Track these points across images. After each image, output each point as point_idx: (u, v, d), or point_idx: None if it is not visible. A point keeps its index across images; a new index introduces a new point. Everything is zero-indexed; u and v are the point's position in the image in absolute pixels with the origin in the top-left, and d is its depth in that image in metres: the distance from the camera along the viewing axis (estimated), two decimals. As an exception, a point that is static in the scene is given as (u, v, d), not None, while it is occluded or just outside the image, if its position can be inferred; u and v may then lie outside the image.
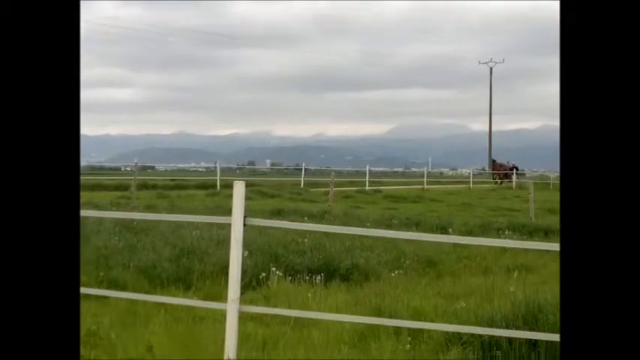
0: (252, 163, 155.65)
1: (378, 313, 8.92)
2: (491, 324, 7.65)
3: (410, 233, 12.33)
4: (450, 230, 18.25)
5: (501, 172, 65.47)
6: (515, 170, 65.01)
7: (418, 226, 19.41)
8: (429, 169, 63.84)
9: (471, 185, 58.38)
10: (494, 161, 70.72)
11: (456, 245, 14.21)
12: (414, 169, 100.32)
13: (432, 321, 8.38)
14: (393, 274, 12.03)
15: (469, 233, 17.77)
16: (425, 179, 55.17)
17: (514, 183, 60.95)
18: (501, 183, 62.82)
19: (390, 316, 8.57)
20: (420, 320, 8.25)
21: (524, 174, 69.68)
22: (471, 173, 67.40)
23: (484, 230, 19.07)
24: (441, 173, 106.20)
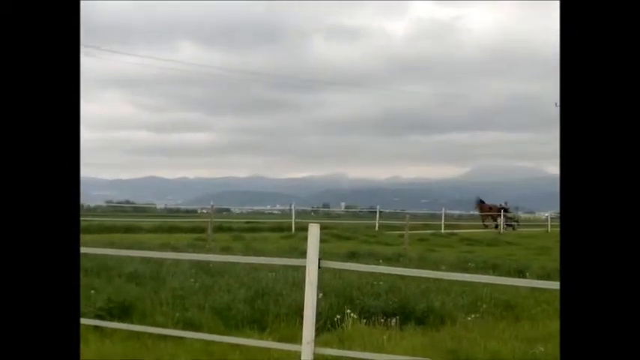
0: (326, 205, 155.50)
1: (455, 357, 8.81)
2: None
3: (486, 277, 12.15)
4: (528, 274, 17.93)
5: (490, 214, 58.67)
6: (504, 211, 57.45)
7: (494, 269, 19.14)
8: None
9: (549, 229, 57.05)
10: (481, 202, 61.15)
11: (533, 289, 13.95)
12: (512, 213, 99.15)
13: (509, 366, 8.24)
14: (469, 318, 11.86)
15: (547, 277, 17.38)
16: (502, 222, 54.44)
17: (502, 226, 54.66)
18: (496, 227, 55.31)
19: (467, 360, 8.45)
20: (497, 365, 8.12)
21: (516, 218, 60.16)
22: (549, 217, 65.63)
23: (563, 274, 18.65)
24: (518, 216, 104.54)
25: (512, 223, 57.58)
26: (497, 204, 60.66)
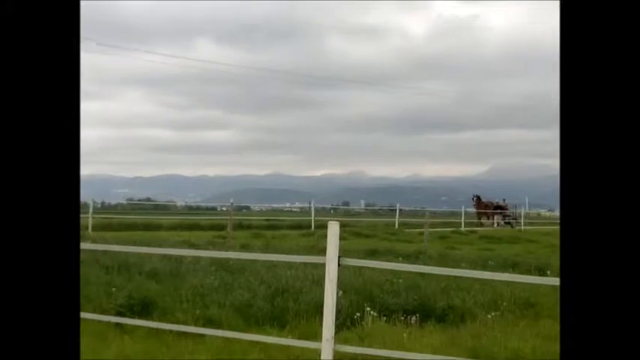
0: (346, 203, 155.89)
1: (475, 355, 8.79)
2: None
3: (506, 275, 12.11)
4: (548, 272, 17.82)
5: (486, 211, 56.67)
6: (501, 209, 56.82)
7: (515, 267, 19.02)
8: (526, 210, 61.98)
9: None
10: (478, 198, 58.08)
11: (554, 287, 13.88)
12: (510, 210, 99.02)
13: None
14: (489, 316, 11.81)
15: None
16: (522, 220, 54.21)
17: (496, 224, 53.83)
18: (497, 224, 54.65)
19: (487, 358, 8.43)
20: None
21: (514, 216, 57.07)
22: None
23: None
24: (539, 214, 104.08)
25: (511, 220, 56.05)
26: (495, 201, 59.23)
